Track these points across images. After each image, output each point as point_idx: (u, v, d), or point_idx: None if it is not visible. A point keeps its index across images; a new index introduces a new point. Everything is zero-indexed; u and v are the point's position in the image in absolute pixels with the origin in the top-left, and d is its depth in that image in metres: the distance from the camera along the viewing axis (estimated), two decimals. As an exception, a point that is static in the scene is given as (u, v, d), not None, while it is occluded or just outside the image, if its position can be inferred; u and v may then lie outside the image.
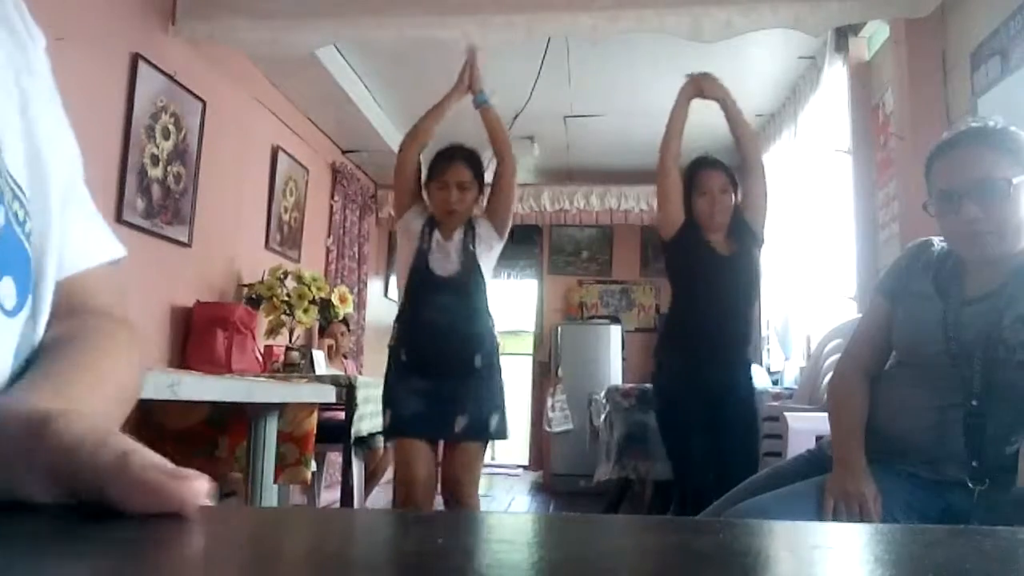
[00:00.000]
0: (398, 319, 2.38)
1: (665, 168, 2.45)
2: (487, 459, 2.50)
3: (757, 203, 2.47)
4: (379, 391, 2.40)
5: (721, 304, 2.39)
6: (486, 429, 2.29)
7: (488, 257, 2.39)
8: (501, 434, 2.34)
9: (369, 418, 3.05)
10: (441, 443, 2.34)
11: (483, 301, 2.36)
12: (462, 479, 2.27)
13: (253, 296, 3.63)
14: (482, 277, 2.36)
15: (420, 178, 2.44)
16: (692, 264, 2.44)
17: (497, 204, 2.44)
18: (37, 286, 0.54)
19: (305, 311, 3.69)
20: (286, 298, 3.66)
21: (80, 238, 0.60)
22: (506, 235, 2.44)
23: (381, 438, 3.37)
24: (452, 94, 2.48)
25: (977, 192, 1.32)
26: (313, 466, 2.28)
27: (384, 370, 2.39)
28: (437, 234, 2.34)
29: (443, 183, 2.32)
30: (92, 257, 0.62)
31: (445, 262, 2.31)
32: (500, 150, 2.44)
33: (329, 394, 2.34)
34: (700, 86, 2.48)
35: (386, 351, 2.40)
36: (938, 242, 1.50)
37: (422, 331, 2.28)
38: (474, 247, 2.35)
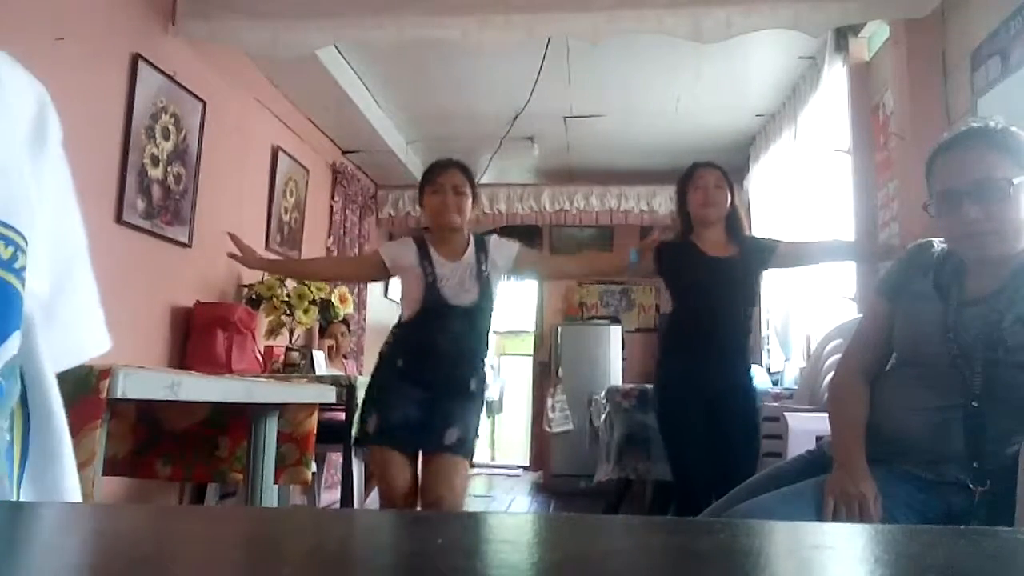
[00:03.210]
0: (399, 329, 2.33)
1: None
2: (487, 459, 2.47)
3: (786, 266, 2.61)
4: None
5: (720, 304, 2.39)
6: (470, 447, 2.26)
7: (496, 281, 2.35)
8: (472, 454, 2.30)
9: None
10: (421, 455, 2.28)
11: (488, 325, 2.35)
12: (443, 492, 2.18)
13: (253, 296, 3.63)
14: (493, 302, 2.33)
15: (363, 261, 2.45)
16: (687, 266, 2.45)
17: (528, 269, 2.46)
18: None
19: (305, 311, 3.69)
20: (286, 298, 3.66)
21: (66, 336, 0.59)
22: (512, 276, 2.44)
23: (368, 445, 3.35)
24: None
25: (978, 192, 1.32)
26: (313, 466, 2.28)
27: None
28: (437, 257, 2.27)
29: (438, 186, 2.28)
30: (74, 356, 0.62)
31: (460, 289, 2.25)
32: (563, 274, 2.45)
33: (329, 394, 2.34)
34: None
35: (386, 351, 2.39)
36: (938, 243, 1.50)
37: (426, 349, 2.25)
38: (487, 271, 2.29)
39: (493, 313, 2.34)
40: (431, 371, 2.25)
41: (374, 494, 3.96)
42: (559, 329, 6.05)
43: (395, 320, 2.41)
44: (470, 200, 2.32)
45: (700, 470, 2.29)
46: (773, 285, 4.53)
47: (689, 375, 2.37)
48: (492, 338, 2.40)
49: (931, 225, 1.46)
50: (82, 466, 1.17)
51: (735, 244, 2.44)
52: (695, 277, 2.41)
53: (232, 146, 3.69)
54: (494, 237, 2.40)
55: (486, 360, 2.37)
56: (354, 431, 2.93)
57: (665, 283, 2.58)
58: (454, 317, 2.24)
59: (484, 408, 2.38)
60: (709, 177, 2.43)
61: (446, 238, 2.30)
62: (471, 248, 2.31)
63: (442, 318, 2.24)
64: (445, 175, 2.29)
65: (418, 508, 2.25)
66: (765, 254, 2.44)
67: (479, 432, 2.34)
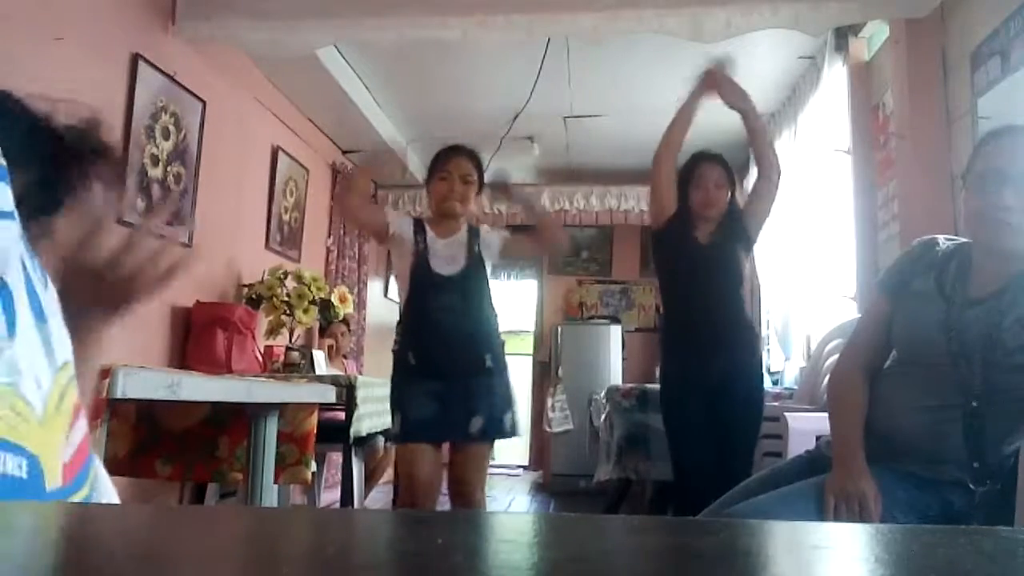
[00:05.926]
0: (402, 322, 2.33)
1: (659, 160, 2.47)
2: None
3: (760, 212, 2.49)
4: (380, 391, 2.40)
5: (703, 291, 2.38)
6: (501, 428, 2.27)
7: (488, 257, 2.38)
8: (515, 431, 2.32)
9: (369, 418, 3.05)
10: (447, 443, 2.31)
11: (488, 299, 2.34)
12: (472, 479, 2.25)
13: (253, 296, 3.63)
14: (485, 275, 2.34)
15: (376, 211, 2.50)
16: (674, 255, 2.46)
17: (515, 250, 2.46)
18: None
19: (305, 311, 3.69)
20: (286, 298, 3.66)
21: None
22: (500, 260, 2.45)
23: (381, 438, 3.37)
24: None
25: (1022, 182, 1.31)
26: (313, 466, 2.28)
27: (389, 373, 2.37)
28: (431, 234, 2.32)
29: (447, 173, 2.31)
30: None
31: (448, 261, 2.29)
32: (549, 247, 2.49)
33: (329, 394, 2.34)
34: (716, 84, 2.45)
35: (386, 351, 2.39)
36: (943, 241, 1.49)
37: (429, 333, 2.25)
38: (478, 249, 2.33)
39: (487, 284, 2.35)
40: (443, 358, 2.24)
41: (374, 494, 3.97)
42: (559, 329, 6.05)
43: (396, 320, 2.41)
44: (476, 189, 2.37)
45: (699, 466, 2.28)
46: (773, 285, 4.53)
47: (689, 364, 2.36)
48: (496, 312, 2.38)
49: (931, 223, 1.45)
50: (82, 466, 1.17)
51: (722, 234, 2.44)
52: (683, 264, 2.42)
53: (232, 146, 3.69)
54: (484, 226, 2.47)
55: (498, 335, 2.36)
56: (354, 429, 2.94)
57: (656, 269, 2.59)
58: (446, 289, 2.26)
59: (509, 380, 2.35)
60: (711, 177, 2.43)
61: (443, 222, 2.35)
62: (464, 230, 2.37)
63: (433, 290, 2.26)
64: (455, 162, 2.33)
65: (439, 498, 2.28)
66: (740, 227, 2.46)
67: (512, 404, 2.32)
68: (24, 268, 0.49)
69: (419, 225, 2.34)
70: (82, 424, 0.55)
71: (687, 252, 2.42)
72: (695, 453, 2.32)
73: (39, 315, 0.50)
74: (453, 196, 2.30)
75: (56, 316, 0.53)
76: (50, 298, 0.52)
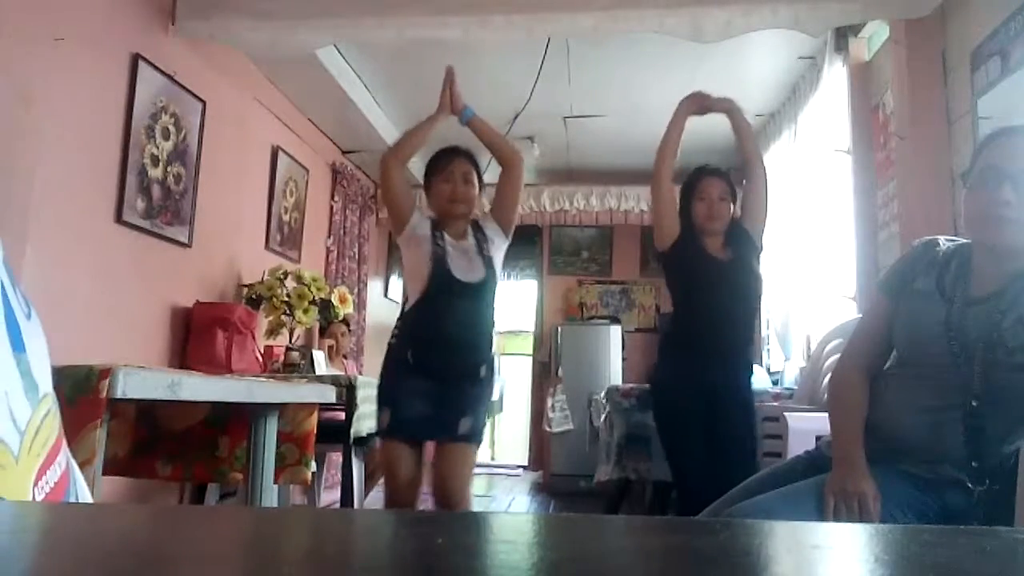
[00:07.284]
0: (405, 320, 2.32)
1: (659, 185, 2.48)
2: (487, 459, 2.49)
3: (757, 212, 2.49)
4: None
5: (720, 310, 2.39)
6: (480, 433, 2.29)
7: (499, 259, 2.38)
8: (480, 440, 2.33)
9: (369, 418, 3.04)
10: (432, 444, 2.30)
11: (494, 307, 2.36)
12: (457, 479, 2.23)
13: (253, 296, 3.63)
14: (497, 282, 2.34)
15: (410, 190, 2.44)
16: (690, 272, 2.45)
17: (504, 204, 2.42)
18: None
19: (305, 311, 3.69)
20: (286, 298, 3.66)
21: None
22: (511, 235, 2.43)
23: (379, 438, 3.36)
24: (437, 116, 2.41)
25: (1021, 180, 1.31)
26: (313, 466, 2.28)
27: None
28: (448, 236, 2.30)
29: (448, 174, 2.30)
30: None
31: (467, 267, 2.27)
32: (503, 154, 2.40)
33: (329, 394, 2.34)
34: (701, 102, 2.48)
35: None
36: (944, 241, 1.50)
37: (435, 336, 2.24)
38: (489, 251, 2.33)
39: (497, 293, 2.36)
40: (441, 361, 2.24)
41: (374, 494, 3.97)
42: (559, 329, 6.05)
43: (398, 313, 2.41)
44: (477, 189, 2.36)
45: (700, 471, 2.29)
46: (773, 285, 4.53)
47: (689, 376, 2.37)
48: (496, 322, 2.40)
49: (931, 223, 1.45)
50: (82, 466, 1.17)
51: (731, 247, 2.45)
52: (701, 280, 2.42)
53: (232, 146, 3.69)
54: (480, 215, 2.45)
55: (493, 344, 2.37)
56: (354, 429, 2.94)
57: (668, 286, 2.58)
58: (462, 295, 2.25)
59: (491, 392, 2.37)
60: (714, 189, 2.43)
61: (452, 224, 2.34)
62: (470, 230, 2.36)
63: (449, 296, 2.24)
64: (455, 163, 2.32)
65: (423, 497, 2.27)
66: (747, 237, 2.46)
67: (486, 416, 2.35)
68: (4, 295, 0.48)
69: (435, 225, 2.32)
70: (62, 460, 0.53)
71: (705, 268, 2.41)
72: (694, 457, 2.33)
73: (17, 344, 0.49)
74: (458, 198, 2.29)
75: (39, 347, 0.51)
76: (32, 328, 0.51)
